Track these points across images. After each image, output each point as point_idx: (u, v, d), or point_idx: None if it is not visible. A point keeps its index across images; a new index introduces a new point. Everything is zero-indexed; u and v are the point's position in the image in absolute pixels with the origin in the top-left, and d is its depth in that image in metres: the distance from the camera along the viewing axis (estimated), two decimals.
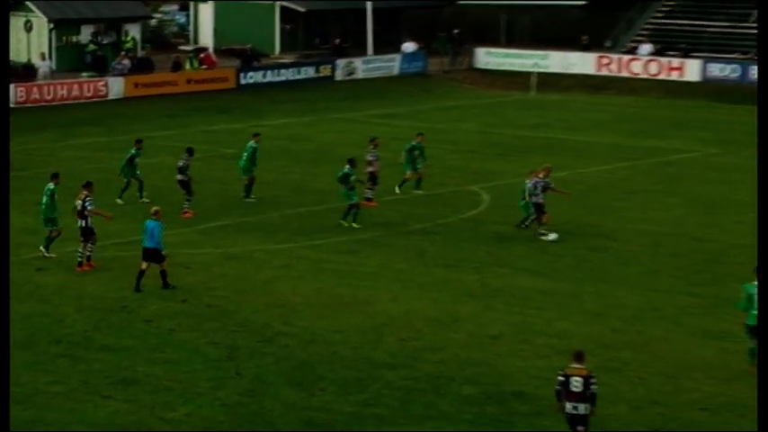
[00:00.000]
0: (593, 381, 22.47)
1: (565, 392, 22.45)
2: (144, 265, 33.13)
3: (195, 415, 24.81)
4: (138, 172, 43.13)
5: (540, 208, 38.85)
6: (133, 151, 43.37)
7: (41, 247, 36.16)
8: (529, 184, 39.06)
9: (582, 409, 22.35)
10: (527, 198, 39.26)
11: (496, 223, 40.79)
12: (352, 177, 39.77)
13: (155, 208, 34.30)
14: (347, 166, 39.89)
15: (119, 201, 42.16)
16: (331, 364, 27.69)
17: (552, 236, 38.16)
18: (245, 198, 43.41)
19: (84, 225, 35.32)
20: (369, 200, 42.66)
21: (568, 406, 22.42)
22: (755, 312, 26.63)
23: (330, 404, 25.40)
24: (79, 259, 35.21)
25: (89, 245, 35.36)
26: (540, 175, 39.17)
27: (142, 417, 24.75)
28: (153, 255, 33.13)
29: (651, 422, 24.62)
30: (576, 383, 22.37)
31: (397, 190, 44.67)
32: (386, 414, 24.89)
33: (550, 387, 25.96)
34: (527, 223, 39.49)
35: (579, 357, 22.74)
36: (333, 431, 24.08)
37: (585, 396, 22.39)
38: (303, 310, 31.53)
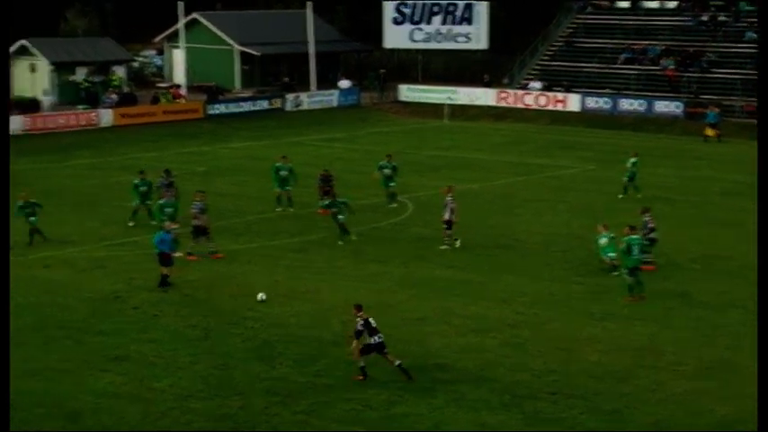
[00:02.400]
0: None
1: (368, 330, 24.69)
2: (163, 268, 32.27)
3: (176, 385, 24.52)
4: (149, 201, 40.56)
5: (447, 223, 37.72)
6: (137, 181, 40.79)
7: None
8: None
9: (382, 337, 24.80)
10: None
11: (419, 226, 40.67)
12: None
13: (168, 223, 33.47)
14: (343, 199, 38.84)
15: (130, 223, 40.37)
16: (288, 343, 27.48)
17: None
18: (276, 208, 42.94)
19: (197, 224, 35.44)
20: (323, 208, 42.29)
21: (375, 338, 24.71)
22: (632, 258, 30.73)
23: (288, 375, 25.19)
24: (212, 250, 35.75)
25: (204, 239, 35.39)
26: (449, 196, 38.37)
27: (133, 387, 24.45)
28: (165, 259, 32.21)
29: (549, 387, 24.59)
30: (373, 322, 24.87)
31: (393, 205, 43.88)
32: (333, 383, 24.72)
33: (467, 360, 26.23)
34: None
35: (359, 307, 25.17)
36: None
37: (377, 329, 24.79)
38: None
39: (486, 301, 31.16)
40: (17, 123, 64.64)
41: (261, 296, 31.09)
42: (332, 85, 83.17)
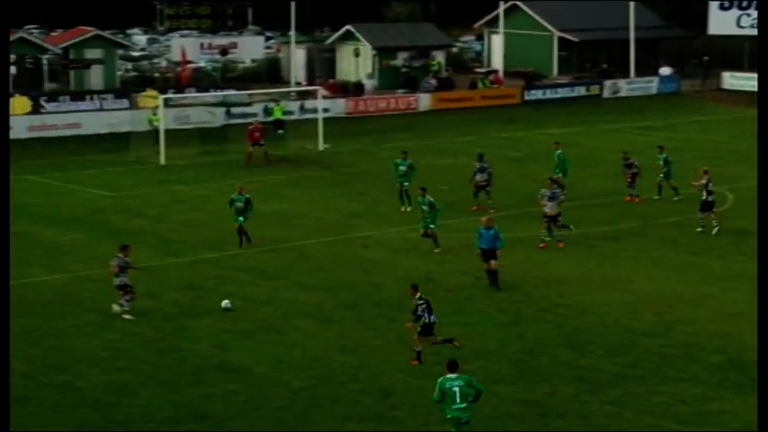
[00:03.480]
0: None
1: (428, 310, 24.88)
2: (486, 264, 31.38)
3: (486, 368, 24.72)
4: (407, 183, 40.93)
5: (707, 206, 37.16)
6: (398, 161, 41.54)
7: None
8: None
9: (435, 319, 25.14)
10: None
11: (739, 218, 39.26)
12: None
13: (486, 218, 32.24)
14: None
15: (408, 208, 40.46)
16: (598, 332, 27.24)
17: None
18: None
19: (547, 212, 35.55)
20: (634, 196, 41.87)
21: (432, 318, 24.89)
22: None
23: (597, 364, 24.97)
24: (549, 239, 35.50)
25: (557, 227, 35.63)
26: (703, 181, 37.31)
27: (442, 368, 24.63)
28: (488, 254, 31.29)
29: None
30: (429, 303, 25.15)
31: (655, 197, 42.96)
32: (645, 375, 24.32)
33: None
34: None
35: (416, 288, 25.32)
36: None
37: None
38: (575, 286, 31.11)
39: None
40: (340, 106, 66.90)
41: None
42: (652, 71, 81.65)
